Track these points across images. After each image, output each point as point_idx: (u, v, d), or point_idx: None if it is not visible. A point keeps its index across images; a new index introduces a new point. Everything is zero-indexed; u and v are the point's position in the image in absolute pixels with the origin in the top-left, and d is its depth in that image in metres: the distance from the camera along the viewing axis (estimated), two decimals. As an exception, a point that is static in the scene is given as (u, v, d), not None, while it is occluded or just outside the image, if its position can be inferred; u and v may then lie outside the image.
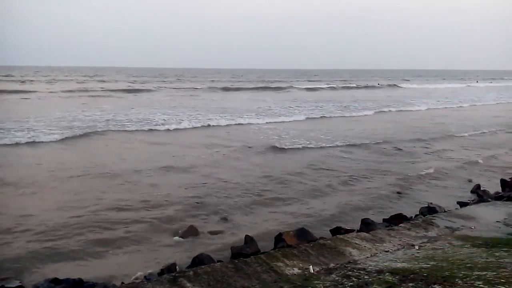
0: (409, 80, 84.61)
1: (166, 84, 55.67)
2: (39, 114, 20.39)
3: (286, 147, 13.75)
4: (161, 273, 4.76)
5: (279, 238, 5.27)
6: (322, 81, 74.46)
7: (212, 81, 68.47)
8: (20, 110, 22.60)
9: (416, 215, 6.92)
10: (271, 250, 4.94)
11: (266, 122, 20.23)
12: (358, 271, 3.99)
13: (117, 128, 17.15)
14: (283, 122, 20.79)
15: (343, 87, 54.91)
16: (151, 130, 17.36)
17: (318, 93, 45.52)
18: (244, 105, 28.74)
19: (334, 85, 57.73)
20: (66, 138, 14.43)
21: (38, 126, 16.64)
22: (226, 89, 47.75)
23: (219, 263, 4.58)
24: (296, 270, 4.17)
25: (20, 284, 4.54)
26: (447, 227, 5.73)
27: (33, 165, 10.78)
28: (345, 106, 29.02)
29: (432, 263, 4.09)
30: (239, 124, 19.71)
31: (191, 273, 4.09)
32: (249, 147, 13.75)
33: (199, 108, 26.29)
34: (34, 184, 9.04)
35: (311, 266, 4.21)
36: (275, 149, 13.53)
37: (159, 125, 18.38)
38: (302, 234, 5.26)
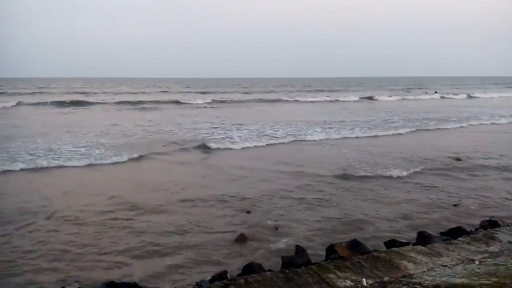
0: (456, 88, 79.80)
1: (260, 95, 55.29)
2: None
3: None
4: (212, 280, 4.80)
5: (331, 249, 5.17)
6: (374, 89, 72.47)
7: (291, 91, 68.25)
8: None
9: (476, 229, 6.57)
10: (323, 261, 4.85)
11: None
12: (414, 285, 3.83)
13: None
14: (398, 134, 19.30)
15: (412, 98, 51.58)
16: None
17: (400, 102, 43.73)
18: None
19: (400, 96, 55.16)
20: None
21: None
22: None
23: (269, 272, 4.56)
24: (348, 283, 4.07)
25: (79, 286, 4.72)
26: (510, 242, 5.39)
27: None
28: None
29: (493, 279, 3.86)
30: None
31: (242, 281, 4.10)
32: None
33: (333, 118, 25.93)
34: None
35: (364, 279, 4.09)
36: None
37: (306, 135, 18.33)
38: (355, 246, 5.13)
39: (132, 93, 60.12)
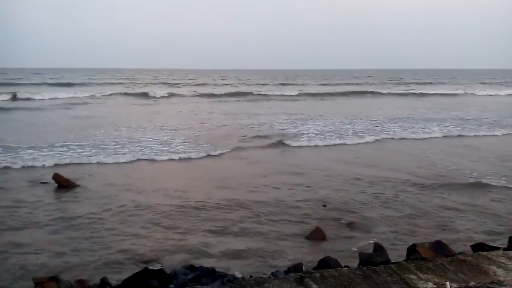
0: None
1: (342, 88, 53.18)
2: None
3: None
4: (288, 271, 4.81)
5: (412, 250, 4.95)
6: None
7: (352, 83, 65.78)
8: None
9: None
10: (403, 261, 4.66)
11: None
12: (504, 293, 3.56)
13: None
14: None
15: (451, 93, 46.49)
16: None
17: (457, 99, 40.49)
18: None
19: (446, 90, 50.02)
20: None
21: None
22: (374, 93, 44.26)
23: (346, 268, 4.47)
24: (430, 285, 3.87)
25: (161, 267, 4.96)
26: None
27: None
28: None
29: None
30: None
31: (317, 274, 4.06)
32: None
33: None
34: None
35: (447, 283, 3.87)
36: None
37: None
38: (439, 247, 4.87)
39: (211, 84, 61.64)
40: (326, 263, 4.90)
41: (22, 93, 35.55)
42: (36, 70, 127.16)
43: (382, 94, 44.03)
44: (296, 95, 40.80)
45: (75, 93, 37.62)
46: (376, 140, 15.90)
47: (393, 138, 16.35)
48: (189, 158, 12.36)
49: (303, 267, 4.95)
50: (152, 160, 12.09)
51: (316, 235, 6.58)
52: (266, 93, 41.79)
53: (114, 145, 13.93)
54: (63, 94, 36.69)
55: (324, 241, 6.47)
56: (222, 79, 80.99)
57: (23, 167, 10.99)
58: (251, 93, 41.11)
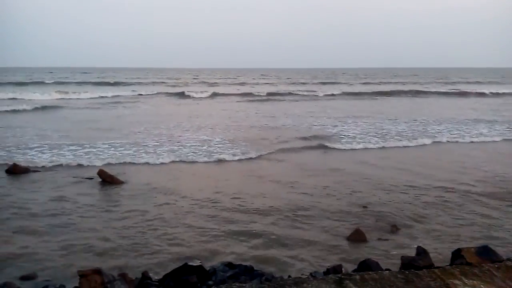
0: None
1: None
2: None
3: None
4: (327, 272, 4.76)
5: (457, 254, 4.78)
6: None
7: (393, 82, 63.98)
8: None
9: None
10: (447, 265, 4.51)
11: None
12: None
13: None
14: None
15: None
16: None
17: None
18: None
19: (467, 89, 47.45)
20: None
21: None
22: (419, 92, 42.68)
23: (387, 271, 4.38)
24: (476, 292, 3.72)
25: (200, 263, 5.02)
26: None
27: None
28: None
29: None
30: None
31: (357, 277, 3.99)
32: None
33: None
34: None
35: (494, 290, 3.71)
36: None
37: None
38: (485, 252, 4.67)
39: (251, 83, 61.75)
40: (366, 266, 4.82)
41: (69, 92, 37.04)
42: (82, 70, 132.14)
43: (429, 92, 42.62)
44: (338, 94, 40.06)
45: (120, 92, 38.76)
46: (427, 143, 15.16)
47: (447, 141, 15.56)
48: (225, 160, 12.20)
49: (343, 269, 4.88)
50: (193, 162, 12.06)
51: (357, 237, 6.48)
52: (306, 93, 41.38)
53: (154, 143, 14.21)
54: (109, 92, 38.00)
55: (365, 243, 6.36)
56: (262, 78, 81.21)
57: (67, 164, 11.36)
58: (291, 93, 40.90)
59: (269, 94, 39.50)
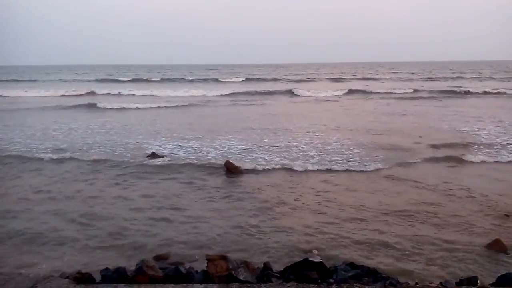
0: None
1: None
2: None
3: None
4: (460, 283, 4.37)
5: None
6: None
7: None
8: None
9: None
10: None
11: None
12: None
13: None
14: None
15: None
16: None
17: None
18: None
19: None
20: None
21: None
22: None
23: (532, 289, 3.87)
24: None
25: (321, 260, 4.98)
26: None
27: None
28: None
29: None
30: None
31: (496, 292, 3.59)
32: None
33: None
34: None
35: None
36: None
37: None
38: None
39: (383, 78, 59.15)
40: (507, 280, 4.31)
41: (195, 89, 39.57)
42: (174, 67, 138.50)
43: None
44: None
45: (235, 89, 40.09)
46: None
47: None
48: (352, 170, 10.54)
49: (478, 281, 4.44)
50: (329, 170, 10.63)
51: (496, 247, 5.84)
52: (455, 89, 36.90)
53: (271, 141, 14.29)
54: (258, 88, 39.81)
55: (505, 255, 5.71)
56: (393, 73, 77.70)
57: (195, 157, 12.07)
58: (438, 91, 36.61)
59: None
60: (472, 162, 11.25)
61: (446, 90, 37.02)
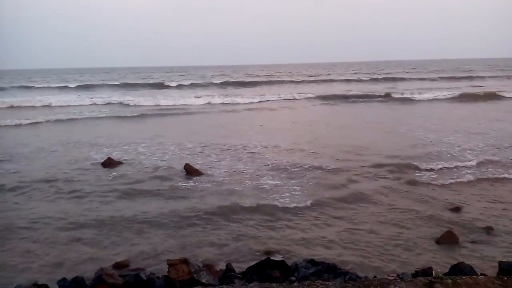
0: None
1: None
2: None
3: None
4: (416, 274, 4.54)
5: None
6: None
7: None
8: None
9: None
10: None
11: None
12: None
13: None
14: None
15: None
16: None
17: None
18: None
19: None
20: None
21: None
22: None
23: (482, 276, 4.07)
24: None
25: (282, 258, 5.03)
26: None
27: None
28: None
29: None
30: None
31: (449, 281, 3.74)
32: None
33: None
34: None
35: None
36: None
37: None
38: None
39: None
40: (459, 270, 4.51)
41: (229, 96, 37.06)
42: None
43: None
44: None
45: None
46: None
47: None
48: None
49: (433, 272, 4.62)
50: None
51: (448, 239, 6.10)
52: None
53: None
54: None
55: (457, 246, 5.97)
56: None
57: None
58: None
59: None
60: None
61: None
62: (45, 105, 28.94)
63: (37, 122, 20.21)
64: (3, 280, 5.21)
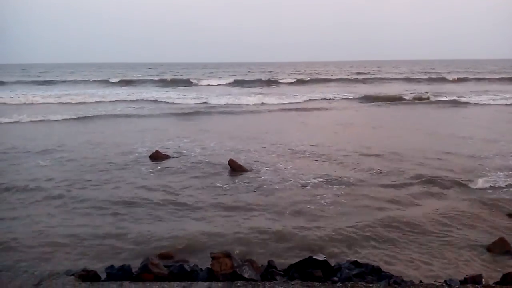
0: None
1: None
2: None
3: None
4: (464, 282, 4.37)
5: None
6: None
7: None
8: None
9: None
10: None
11: None
12: None
13: None
14: None
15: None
16: None
17: None
18: None
19: None
20: None
21: None
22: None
23: (538, 288, 3.87)
24: None
25: (325, 258, 4.98)
26: None
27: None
28: None
29: None
30: None
31: (501, 290, 3.60)
32: None
33: None
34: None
35: None
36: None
37: None
38: None
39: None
40: (511, 279, 4.31)
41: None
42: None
43: None
44: None
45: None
46: None
47: None
48: None
49: (483, 280, 4.44)
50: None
51: (500, 247, 5.84)
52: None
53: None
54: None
55: (509, 254, 5.71)
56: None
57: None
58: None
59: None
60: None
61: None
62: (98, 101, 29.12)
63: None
64: (55, 260, 5.51)
